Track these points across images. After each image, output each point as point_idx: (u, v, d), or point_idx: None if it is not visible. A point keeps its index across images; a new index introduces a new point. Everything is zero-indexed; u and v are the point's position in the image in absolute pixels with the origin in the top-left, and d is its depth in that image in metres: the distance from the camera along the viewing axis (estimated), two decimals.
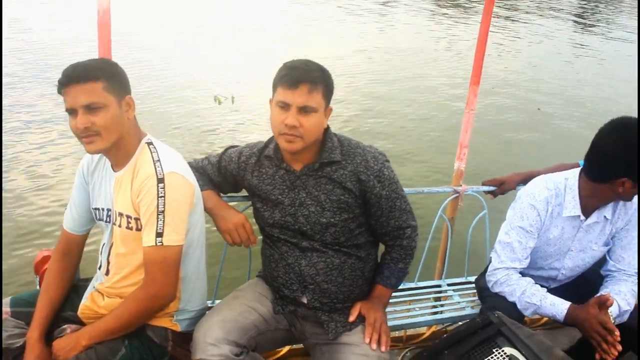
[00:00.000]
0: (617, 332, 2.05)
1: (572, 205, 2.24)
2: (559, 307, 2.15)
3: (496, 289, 2.27)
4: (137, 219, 1.88)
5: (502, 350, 1.92)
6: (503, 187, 2.80)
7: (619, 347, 2.03)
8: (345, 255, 2.06)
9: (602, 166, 2.14)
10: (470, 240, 2.91)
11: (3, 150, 5.76)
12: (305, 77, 1.87)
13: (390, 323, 2.52)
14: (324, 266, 2.04)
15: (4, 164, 5.47)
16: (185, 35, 11.57)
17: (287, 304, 2.12)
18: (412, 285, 2.86)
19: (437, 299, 2.88)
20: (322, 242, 2.03)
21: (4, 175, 5.32)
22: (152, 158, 1.88)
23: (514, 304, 2.23)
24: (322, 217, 2.00)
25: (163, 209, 1.82)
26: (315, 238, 2.03)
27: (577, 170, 2.28)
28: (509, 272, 2.24)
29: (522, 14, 18.75)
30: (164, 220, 1.82)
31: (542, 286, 2.38)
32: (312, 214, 2.01)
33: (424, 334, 2.93)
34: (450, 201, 2.85)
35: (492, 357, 1.92)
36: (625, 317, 2.24)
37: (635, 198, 2.30)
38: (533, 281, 2.24)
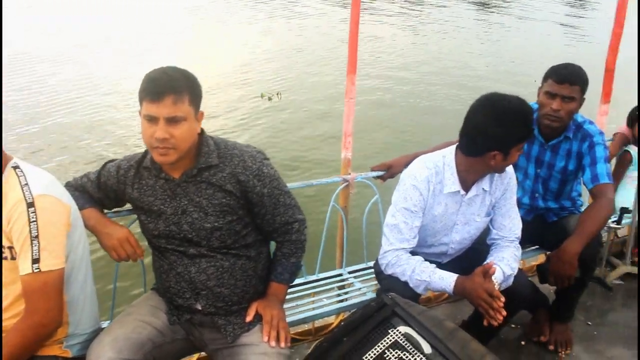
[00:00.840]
0: (502, 299, 2.15)
1: (452, 182, 2.33)
2: (447, 280, 2.23)
3: (389, 271, 2.33)
4: (10, 248, 1.79)
5: (397, 330, 1.97)
6: (391, 171, 2.88)
7: (504, 312, 2.13)
8: (235, 257, 2.05)
9: (473, 141, 2.23)
10: (365, 226, 2.98)
11: None
12: (168, 88, 1.82)
13: (296, 317, 2.58)
14: (214, 270, 2.02)
15: None
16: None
17: (183, 313, 2.09)
18: (314, 277, 2.89)
19: (341, 288, 2.92)
20: (210, 247, 2.02)
21: None
22: (20, 182, 1.80)
23: (407, 283, 2.29)
24: (206, 222, 1.98)
25: (37, 233, 1.75)
26: (202, 244, 2.01)
27: (453, 147, 2.37)
28: (398, 253, 2.30)
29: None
30: (39, 246, 1.75)
31: (435, 262, 2.47)
32: (195, 221, 1.98)
33: (332, 323, 2.97)
34: (342, 190, 2.90)
35: (388, 338, 1.97)
36: (510, 281, 2.36)
37: (510, 168, 2.42)
38: (422, 259, 2.31)
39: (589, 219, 2.66)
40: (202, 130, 2.01)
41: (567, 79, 2.68)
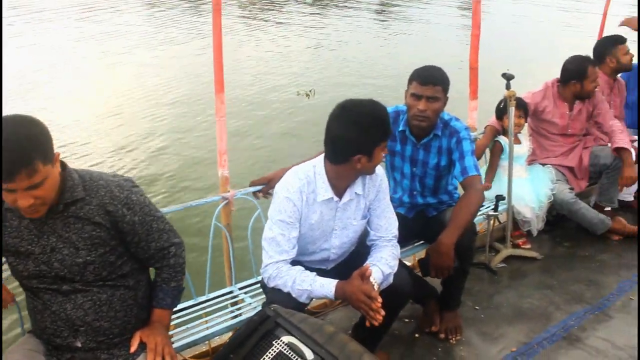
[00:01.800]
0: (380, 299, 2.23)
1: (324, 190, 2.40)
2: (328, 286, 2.29)
3: (271, 284, 2.36)
4: None
5: (281, 340, 2.02)
6: (271, 184, 2.91)
7: (382, 312, 2.20)
8: (112, 288, 2.03)
9: (336, 148, 2.31)
10: (251, 241, 3.00)
11: None
12: (17, 166, 1.71)
13: (190, 339, 2.58)
14: (92, 305, 1.99)
15: None
16: None
17: (63, 352, 2.04)
18: (204, 297, 2.88)
19: (234, 304, 2.92)
20: (84, 282, 1.98)
21: None
22: None
23: (291, 294, 2.34)
24: (78, 258, 1.95)
25: None
26: (75, 279, 1.97)
27: (322, 156, 2.44)
28: (278, 265, 2.33)
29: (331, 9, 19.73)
30: None
31: (319, 269, 2.53)
32: (66, 257, 1.94)
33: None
34: (222, 208, 2.91)
35: (272, 349, 2.01)
36: (391, 279, 2.45)
37: (380, 169, 2.52)
38: (302, 269, 2.35)
39: (461, 210, 2.81)
40: (65, 165, 1.97)
41: (430, 81, 2.83)
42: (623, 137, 4.07)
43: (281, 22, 17.27)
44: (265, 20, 17.33)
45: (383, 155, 2.40)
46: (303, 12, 18.92)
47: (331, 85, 10.50)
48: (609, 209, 4.35)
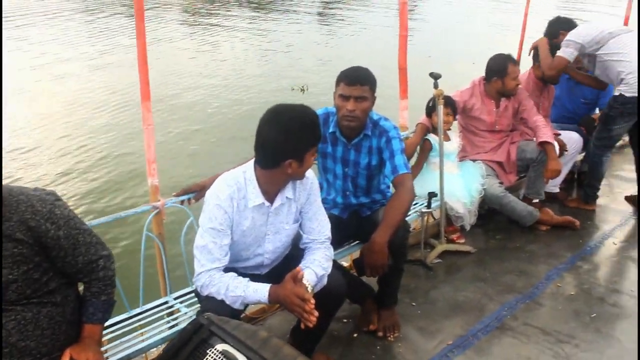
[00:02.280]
0: (313, 301, 2.24)
1: (255, 195, 2.39)
2: (261, 291, 2.29)
3: (205, 292, 2.34)
4: None
5: (215, 349, 1.99)
6: (203, 192, 2.88)
7: (316, 313, 2.21)
8: (38, 306, 1.97)
9: (267, 154, 2.31)
10: (185, 250, 2.96)
11: None
12: None
13: (125, 353, 2.53)
14: (16, 324, 1.92)
15: None
16: None
17: None
18: (139, 310, 2.82)
19: (171, 314, 2.88)
20: (6, 301, 1.91)
21: None
22: None
23: (224, 301, 2.32)
24: None
25: None
26: None
27: (252, 162, 2.43)
28: (211, 273, 2.32)
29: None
30: None
31: (254, 274, 2.53)
32: None
33: None
34: (154, 218, 2.87)
35: (207, 359, 1.99)
36: (325, 280, 2.47)
37: (310, 172, 2.54)
38: (235, 275, 2.35)
39: (392, 209, 2.85)
40: None
41: (357, 81, 2.86)
42: (547, 132, 4.24)
43: (241, 25, 17.37)
44: (218, 26, 17.31)
45: (313, 159, 2.42)
46: (251, 17, 18.98)
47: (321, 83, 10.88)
48: (537, 201, 4.53)
